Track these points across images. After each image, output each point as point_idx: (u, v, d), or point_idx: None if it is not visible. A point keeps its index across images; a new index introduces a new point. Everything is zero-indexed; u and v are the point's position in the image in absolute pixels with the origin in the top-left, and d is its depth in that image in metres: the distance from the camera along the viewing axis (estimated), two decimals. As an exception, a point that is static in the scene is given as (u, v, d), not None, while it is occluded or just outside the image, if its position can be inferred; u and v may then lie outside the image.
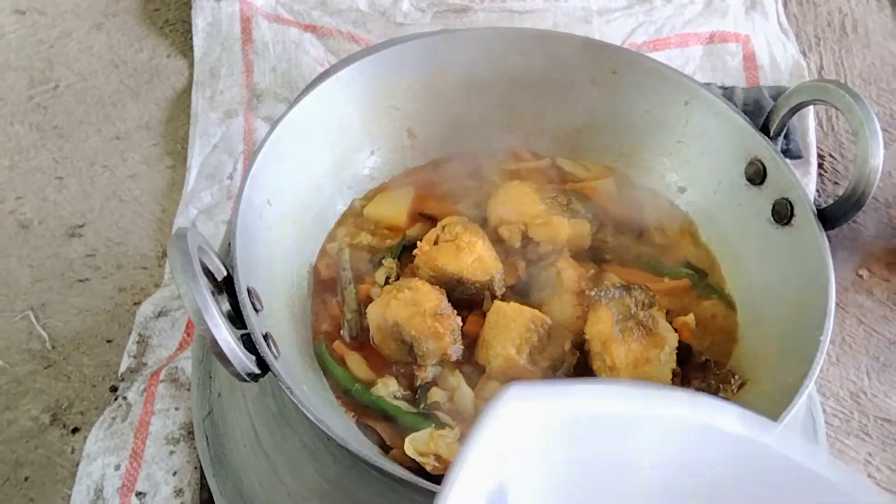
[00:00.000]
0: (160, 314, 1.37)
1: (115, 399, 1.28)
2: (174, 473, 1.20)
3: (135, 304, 1.40)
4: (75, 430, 1.29)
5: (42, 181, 1.53)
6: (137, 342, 1.35)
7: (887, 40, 1.80)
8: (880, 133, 1.08)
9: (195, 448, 1.21)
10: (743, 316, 1.19)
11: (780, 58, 1.72)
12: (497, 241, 1.21)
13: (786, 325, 1.10)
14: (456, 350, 1.10)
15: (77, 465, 1.23)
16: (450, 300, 1.12)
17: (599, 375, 1.12)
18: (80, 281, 1.43)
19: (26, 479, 1.25)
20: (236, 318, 0.95)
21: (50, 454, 1.27)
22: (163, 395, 1.27)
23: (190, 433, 1.23)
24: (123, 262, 1.45)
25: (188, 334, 1.35)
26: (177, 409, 1.26)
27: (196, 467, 1.21)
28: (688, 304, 1.20)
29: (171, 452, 1.22)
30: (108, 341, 1.37)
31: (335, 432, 0.90)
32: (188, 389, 1.27)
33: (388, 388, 1.09)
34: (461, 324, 1.12)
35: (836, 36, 1.80)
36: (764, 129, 1.19)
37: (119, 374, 1.32)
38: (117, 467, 1.21)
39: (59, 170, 1.55)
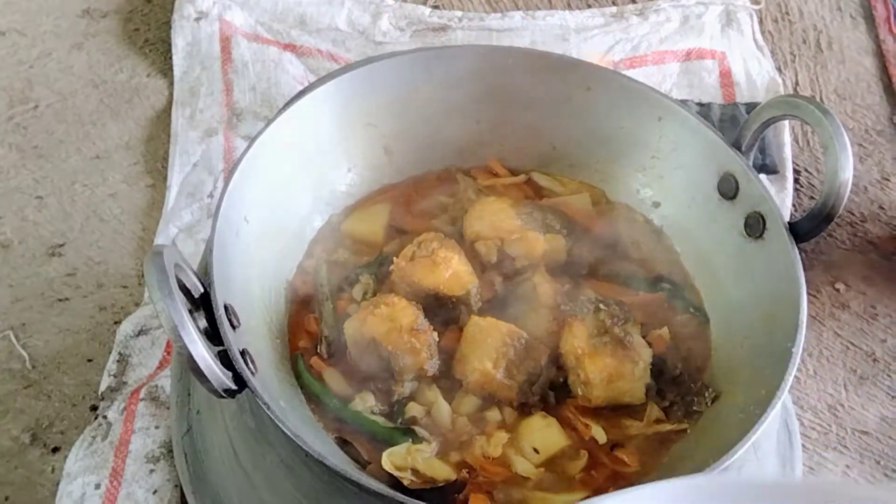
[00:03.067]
0: (140, 333, 1.37)
1: (96, 418, 1.28)
2: (154, 492, 1.20)
3: (115, 322, 1.40)
4: (55, 450, 1.29)
5: (22, 201, 1.54)
6: (117, 361, 1.35)
7: (861, 56, 1.82)
8: (850, 147, 1.09)
9: (175, 467, 1.21)
10: (717, 329, 1.20)
11: (755, 74, 1.74)
12: (473, 256, 1.21)
13: (759, 337, 1.11)
14: (433, 365, 1.11)
15: (57, 484, 1.23)
16: (426, 315, 1.13)
17: (574, 390, 1.13)
18: (61, 300, 1.43)
19: (6, 498, 1.25)
20: (213, 335, 0.96)
21: (30, 474, 1.27)
22: (143, 414, 1.27)
23: (170, 452, 1.23)
24: (104, 280, 1.45)
25: (168, 353, 1.35)
26: (157, 427, 1.26)
27: (176, 486, 1.21)
28: (662, 317, 1.21)
29: (152, 471, 1.22)
30: (89, 360, 1.37)
31: (313, 448, 0.91)
32: (168, 408, 1.27)
33: (366, 404, 1.09)
34: (438, 339, 1.12)
35: (811, 52, 1.82)
36: (735, 144, 1.20)
37: (99, 393, 1.32)
38: (97, 486, 1.21)
39: (39, 189, 1.55)
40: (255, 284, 1.12)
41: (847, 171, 1.08)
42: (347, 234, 1.26)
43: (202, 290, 0.98)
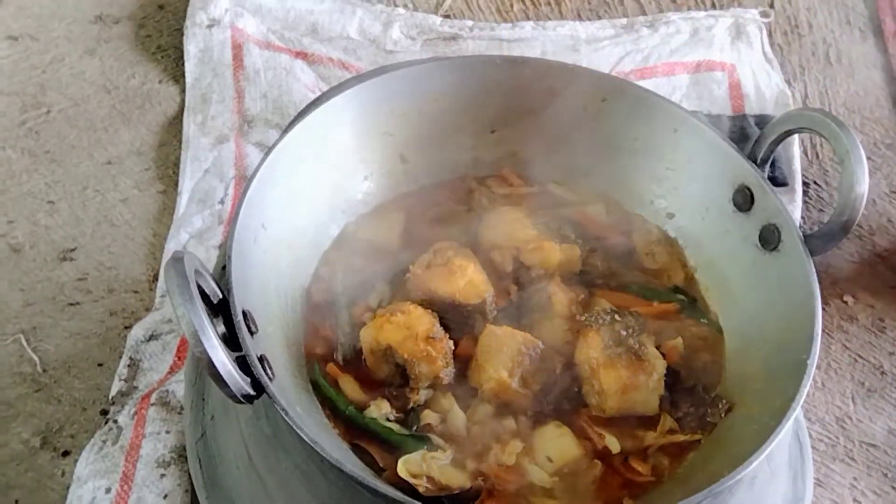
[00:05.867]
0: (151, 338, 1.37)
1: (106, 422, 1.28)
2: (165, 497, 1.21)
3: (126, 327, 1.40)
4: (66, 454, 1.29)
5: (34, 205, 1.54)
6: (128, 366, 1.35)
7: (870, 70, 1.83)
8: (865, 161, 1.09)
9: (186, 471, 1.22)
10: (730, 340, 1.20)
11: (765, 87, 1.75)
12: (489, 265, 1.22)
13: (773, 349, 1.12)
14: (448, 373, 1.11)
15: (67, 488, 1.23)
16: (442, 324, 1.14)
17: (588, 400, 1.13)
18: (72, 305, 1.43)
19: (16, 502, 1.25)
20: (231, 341, 0.96)
21: (40, 477, 1.27)
22: (153, 419, 1.27)
23: (181, 456, 1.23)
24: (115, 286, 1.46)
25: (179, 358, 1.35)
26: (167, 432, 1.26)
27: (186, 490, 1.21)
28: (676, 328, 1.21)
29: (162, 476, 1.22)
30: (99, 365, 1.37)
31: (329, 454, 0.91)
32: (179, 413, 1.27)
33: (381, 411, 1.09)
34: (453, 347, 1.13)
35: (820, 65, 1.83)
36: (751, 157, 1.21)
37: (110, 398, 1.32)
38: (108, 490, 1.21)
39: (51, 194, 1.56)
40: (272, 291, 1.12)
41: (863, 185, 1.09)
42: (363, 242, 1.26)
43: (221, 297, 0.98)
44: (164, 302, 1.42)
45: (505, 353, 1.11)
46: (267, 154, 1.12)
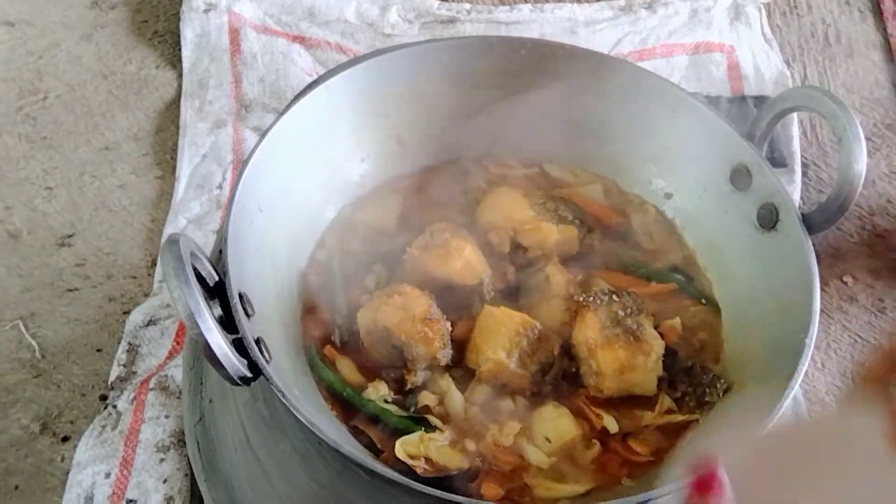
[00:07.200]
0: (150, 323, 1.37)
1: (105, 408, 1.28)
2: (164, 481, 1.21)
3: (124, 313, 1.40)
4: (65, 439, 1.29)
5: (31, 191, 1.54)
6: (127, 351, 1.35)
7: (870, 51, 1.82)
8: (863, 139, 1.09)
9: (185, 455, 1.22)
10: (729, 320, 1.20)
11: (764, 68, 1.74)
12: (486, 246, 1.22)
13: (771, 328, 1.12)
14: (445, 354, 1.11)
15: (67, 473, 1.23)
16: (439, 305, 1.13)
17: (586, 381, 1.13)
18: (70, 290, 1.43)
19: (16, 487, 1.25)
20: (228, 324, 0.96)
21: (40, 463, 1.27)
22: (153, 404, 1.27)
23: (180, 441, 1.23)
24: (113, 271, 1.46)
25: (178, 343, 1.35)
26: (167, 417, 1.26)
27: (186, 475, 1.21)
28: (674, 308, 1.21)
29: (162, 460, 1.22)
30: (98, 350, 1.37)
31: (327, 435, 0.91)
32: (178, 398, 1.27)
33: (379, 392, 1.09)
34: (451, 328, 1.12)
35: (819, 46, 1.82)
36: (749, 136, 1.20)
37: (109, 383, 1.32)
38: (107, 475, 1.21)
39: (49, 180, 1.55)
40: (268, 274, 1.12)
41: (861, 163, 1.08)
42: (360, 224, 1.26)
43: (217, 279, 0.98)
44: (163, 287, 1.42)
45: (502, 334, 1.11)
46: (263, 136, 1.11)
